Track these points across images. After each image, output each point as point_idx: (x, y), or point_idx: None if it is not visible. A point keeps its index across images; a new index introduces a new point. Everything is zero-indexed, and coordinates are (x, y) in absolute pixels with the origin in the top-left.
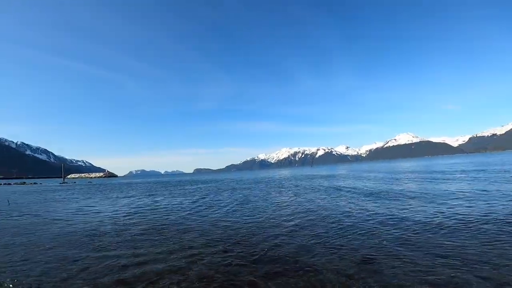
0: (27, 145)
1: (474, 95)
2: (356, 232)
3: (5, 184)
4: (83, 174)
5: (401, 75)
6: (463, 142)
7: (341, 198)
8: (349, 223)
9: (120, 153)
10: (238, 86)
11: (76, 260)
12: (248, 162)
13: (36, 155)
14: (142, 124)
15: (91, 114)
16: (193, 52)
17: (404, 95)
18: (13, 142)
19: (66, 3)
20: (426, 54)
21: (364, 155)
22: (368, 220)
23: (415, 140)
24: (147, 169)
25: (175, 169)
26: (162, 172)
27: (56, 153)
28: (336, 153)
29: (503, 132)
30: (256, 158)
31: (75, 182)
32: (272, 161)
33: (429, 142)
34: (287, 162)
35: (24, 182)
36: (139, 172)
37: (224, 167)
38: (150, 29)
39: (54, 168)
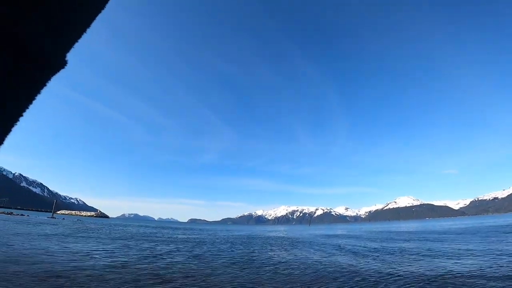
0: (24, 177)
1: (474, 159)
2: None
3: None
4: (73, 211)
5: (400, 139)
6: (465, 205)
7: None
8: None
9: (115, 194)
10: (239, 141)
11: None
12: (245, 216)
13: (31, 187)
14: (140, 169)
15: (90, 151)
16: (199, 103)
17: (405, 159)
18: (11, 172)
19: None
20: (425, 119)
21: (363, 216)
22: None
23: (416, 203)
24: (141, 213)
25: (169, 217)
26: (156, 219)
27: (51, 188)
28: (335, 213)
29: (505, 195)
30: (253, 213)
31: (63, 219)
32: (269, 218)
33: (430, 205)
34: (284, 220)
35: (12, 213)
36: (132, 215)
37: (219, 219)
38: (161, 74)
39: (47, 202)
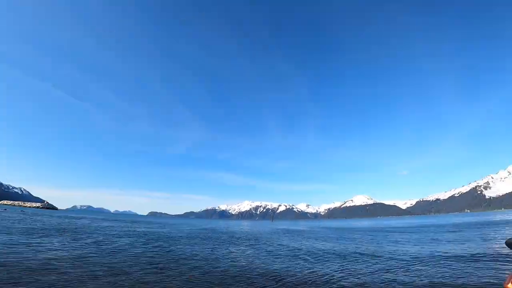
0: None
1: (423, 161)
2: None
3: None
4: (16, 202)
5: (363, 137)
6: (411, 205)
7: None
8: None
9: (67, 185)
10: (209, 134)
11: None
12: (208, 211)
13: None
14: (99, 158)
15: (41, 136)
16: (171, 93)
17: (363, 158)
18: None
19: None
20: (386, 122)
21: (323, 213)
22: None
23: (370, 202)
24: (95, 205)
25: (126, 209)
26: (112, 211)
27: None
28: (297, 210)
29: (446, 197)
30: (216, 208)
31: (5, 209)
32: (233, 213)
33: (382, 204)
34: (248, 215)
35: None
36: (84, 207)
37: (182, 213)
38: (131, 61)
39: None
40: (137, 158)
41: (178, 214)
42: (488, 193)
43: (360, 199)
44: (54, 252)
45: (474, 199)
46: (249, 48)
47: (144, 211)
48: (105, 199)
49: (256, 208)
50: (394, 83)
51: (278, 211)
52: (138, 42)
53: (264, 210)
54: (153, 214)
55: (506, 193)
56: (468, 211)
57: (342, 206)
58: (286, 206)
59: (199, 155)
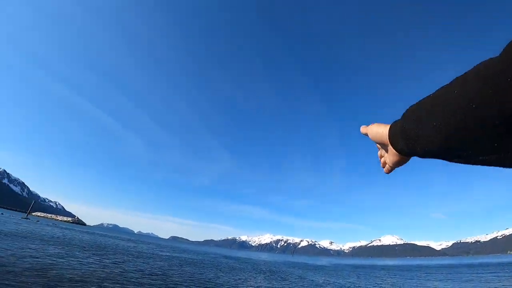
0: (7, 173)
1: (461, 205)
2: None
3: None
4: (49, 215)
5: (391, 181)
6: (447, 247)
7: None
8: None
9: (96, 202)
10: (235, 167)
11: None
12: (228, 240)
13: (11, 185)
14: (130, 181)
15: (81, 155)
16: (199, 123)
17: (394, 199)
18: None
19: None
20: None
21: (347, 251)
22: None
23: (400, 242)
24: (121, 224)
25: (149, 231)
26: (135, 232)
27: (31, 188)
28: (320, 246)
29: (487, 239)
30: (237, 238)
31: (38, 221)
32: (253, 244)
33: (413, 244)
34: (268, 248)
35: None
36: (111, 226)
37: (202, 240)
38: (164, 87)
39: (25, 202)
40: (165, 184)
41: (198, 241)
42: None
43: (389, 239)
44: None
45: None
46: (279, 81)
47: (166, 235)
48: (130, 220)
49: (277, 241)
50: None
51: (299, 246)
52: (172, 69)
53: (285, 244)
54: (174, 238)
55: None
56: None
57: (369, 245)
58: (308, 242)
59: (223, 187)
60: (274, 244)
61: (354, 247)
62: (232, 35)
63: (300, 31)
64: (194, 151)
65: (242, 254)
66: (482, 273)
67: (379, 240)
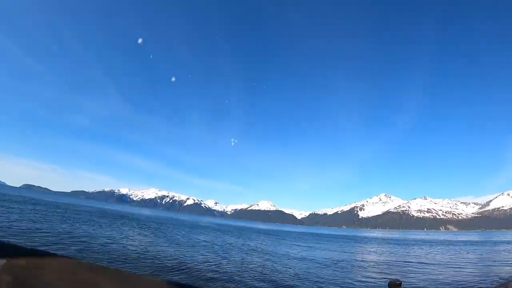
0: None
1: (322, 178)
2: None
3: None
4: None
5: (276, 146)
6: (305, 216)
7: None
8: None
9: None
10: (125, 109)
11: None
12: (104, 192)
13: None
14: None
15: None
16: (91, 58)
17: (275, 165)
18: None
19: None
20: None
21: (229, 213)
22: None
23: (272, 208)
24: None
25: None
26: None
27: None
28: (205, 206)
29: (332, 213)
30: (116, 191)
31: None
32: (135, 199)
33: (282, 212)
34: (151, 203)
35: None
36: None
37: (69, 191)
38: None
39: None
40: (26, 119)
41: (64, 191)
42: (362, 214)
43: (264, 205)
44: None
45: (351, 217)
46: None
47: (16, 183)
48: None
49: (162, 197)
50: (313, 115)
51: (185, 204)
52: None
53: (171, 201)
54: (28, 187)
55: (374, 216)
56: (345, 227)
57: (248, 208)
58: (194, 200)
59: (108, 131)
60: (158, 200)
61: (236, 209)
62: None
63: None
64: (75, 83)
65: (119, 208)
66: (319, 242)
67: (257, 205)
